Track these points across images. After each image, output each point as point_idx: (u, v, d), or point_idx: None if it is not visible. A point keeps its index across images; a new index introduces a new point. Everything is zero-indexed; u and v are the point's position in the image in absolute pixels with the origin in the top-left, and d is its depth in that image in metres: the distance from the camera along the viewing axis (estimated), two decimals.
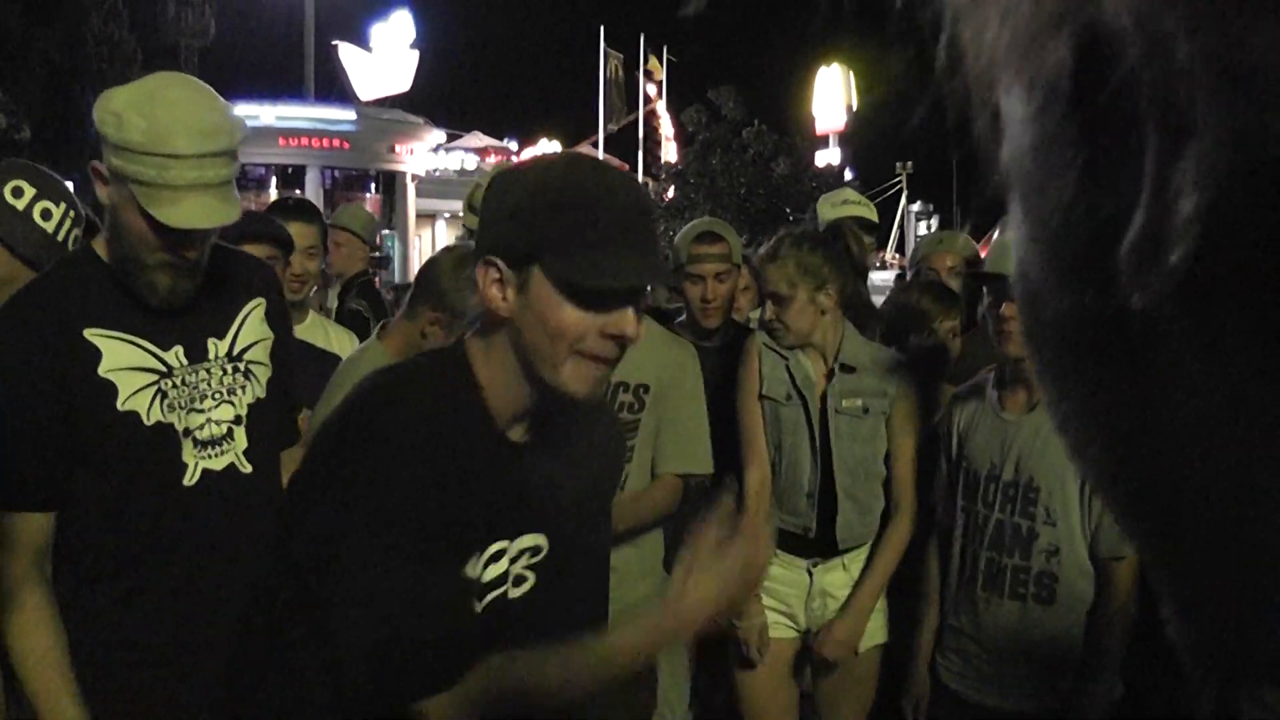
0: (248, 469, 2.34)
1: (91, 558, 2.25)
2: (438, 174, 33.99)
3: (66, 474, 2.20)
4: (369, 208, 31.53)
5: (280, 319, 2.50)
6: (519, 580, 1.73)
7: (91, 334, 2.19)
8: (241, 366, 2.36)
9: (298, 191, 26.17)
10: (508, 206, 1.59)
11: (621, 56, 41.67)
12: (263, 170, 29.90)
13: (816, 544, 3.28)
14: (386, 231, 31.99)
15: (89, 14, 26.72)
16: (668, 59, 44.18)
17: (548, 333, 1.56)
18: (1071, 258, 0.30)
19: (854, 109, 43.35)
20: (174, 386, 2.26)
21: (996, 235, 4.46)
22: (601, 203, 1.57)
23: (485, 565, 1.67)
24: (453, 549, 1.62)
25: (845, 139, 43.33)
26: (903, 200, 46.54)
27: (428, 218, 33.92)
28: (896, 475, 3.30)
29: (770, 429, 3.30)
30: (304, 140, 30.32)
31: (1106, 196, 0.28)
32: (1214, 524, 0.30)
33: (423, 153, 33.10)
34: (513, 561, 1.71)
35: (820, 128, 42.73)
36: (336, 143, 30.88)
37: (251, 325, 2.40)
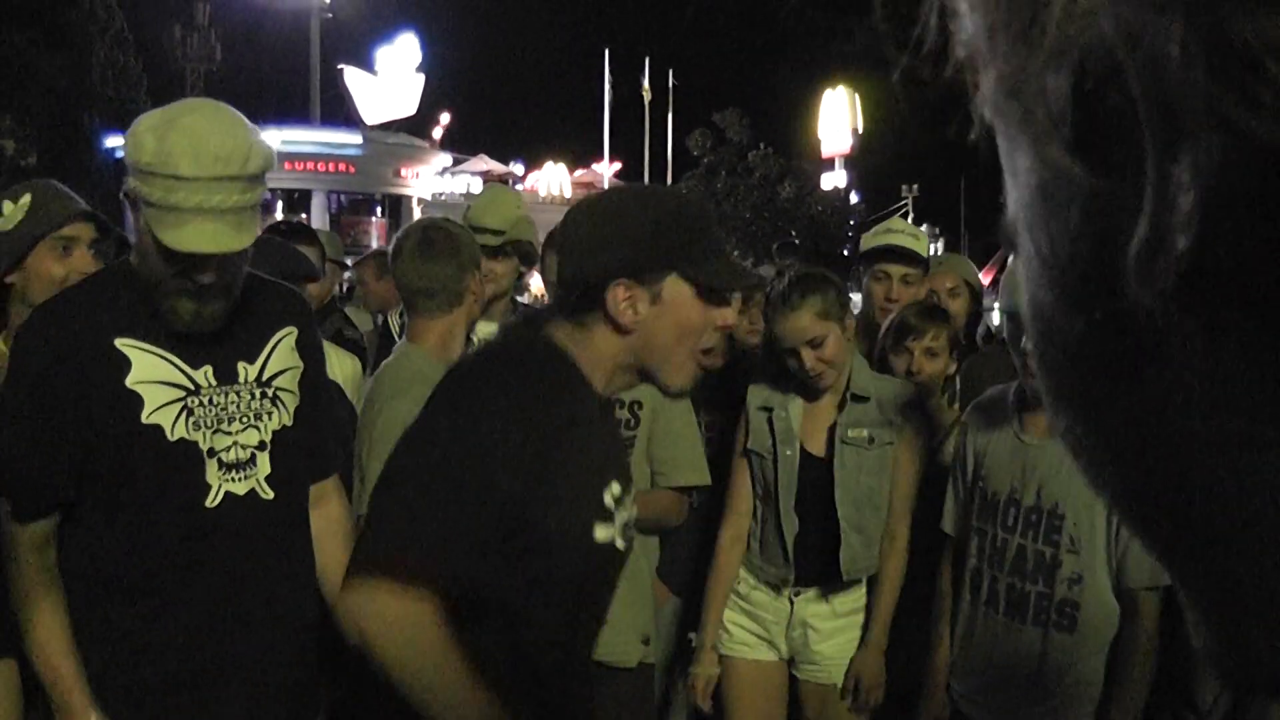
0: (269, 495, 2.31)
1: (113, 575, 2.23)
2: (443, 197, 34.06)
3: (75, 481, 2.19)
4: (374, 231, 31.60)
5: (312, 350, 2.48)
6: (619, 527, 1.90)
7: (122, 343, 2.19)
8: (270, 392, 2.34)
9: (303, 216, 26.22)
10: (624, 231, 1.79)
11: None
12: (268, 195, 29.81)
13: (816, 581, 3.31)
14: None
15: (95, 40, 26.84)
16: (673, 83, 44.29)
17: (682, 333, 1.80)
18: (1079, 279, 0.31)
19: (860, 132, 43.42)
20: (201, 405, 2.24)
21: (1009, 262, 4.38)
22: (703, 219, 1.86)
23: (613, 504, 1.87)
24: (593, 485, 1.84)
25: (851, 162, 43.38)
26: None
27: None
28: (893, 507, 3.30)
29: (757, 482, 3.36)
30: (310, 164, 30.42)
31: (1112, 215, 0.29)
32: (1227, 531, 0.31)
33: (428, 176, 33.18)
34: (620, 503, 1.90)
35: (826, 151, 42.78)
36: (342, 167, 31.00)
37: (282, 353, 2.39)
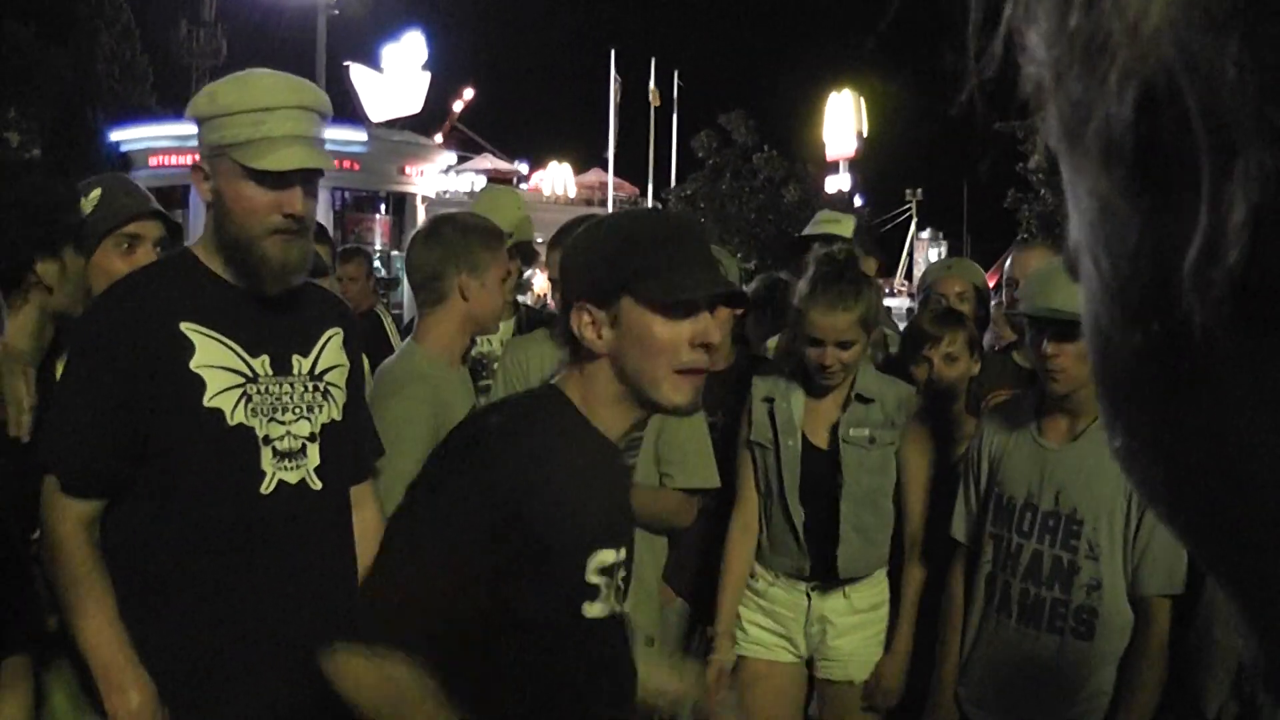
0: (318, 486, 2.37)
1: (164, 561, 2.27)
2: (448, 195, 34.03)
3: (132, 461, 2.24)
4: (378, 228, 31.62)
5: (355, 351, 2.57)
6: (612, 594, 1.88)
7: (187, 327, 2.26)
8: (321, 386, 2.42)
9: None
10: (588, 256, 1.82)
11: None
12: None
13: (815, 573, 3.31)
14: (396, 253, 32.04)
15: (101, 34, 26.84)
16: (678, 84, 44.25)
17: (646, 352, 1.77)
18: (1139, 295, 0.32)
19: (864, 135, 43.36)
20: (259, 393, 2.31)
21: (1012, 263, 4.33)
22: (669, 234, 1.84)
23: (597, 571, 1.85)
24: (578, 549, 1.82)
25: (856, 165, 43.33)
26: (912, 227, 46.50)
27: None
28: (908, 510, 3.31)
29: (759, 475, 3.35)
30: None
31: (1169, 233, 0.30)
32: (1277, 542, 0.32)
33: (433, 174, 33.13)
34: (610, 574, 1.87)
35: (831, 154, 42.72)
36: (347, 164, 30.96)
37: (332, 350, 2.47)
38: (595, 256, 1.81)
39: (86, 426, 2.24)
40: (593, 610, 1.83)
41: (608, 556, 1.86)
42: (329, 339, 2.47)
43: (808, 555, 3.27)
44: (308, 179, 2.31)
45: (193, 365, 2.25)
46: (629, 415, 1.86)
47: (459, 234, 3.08)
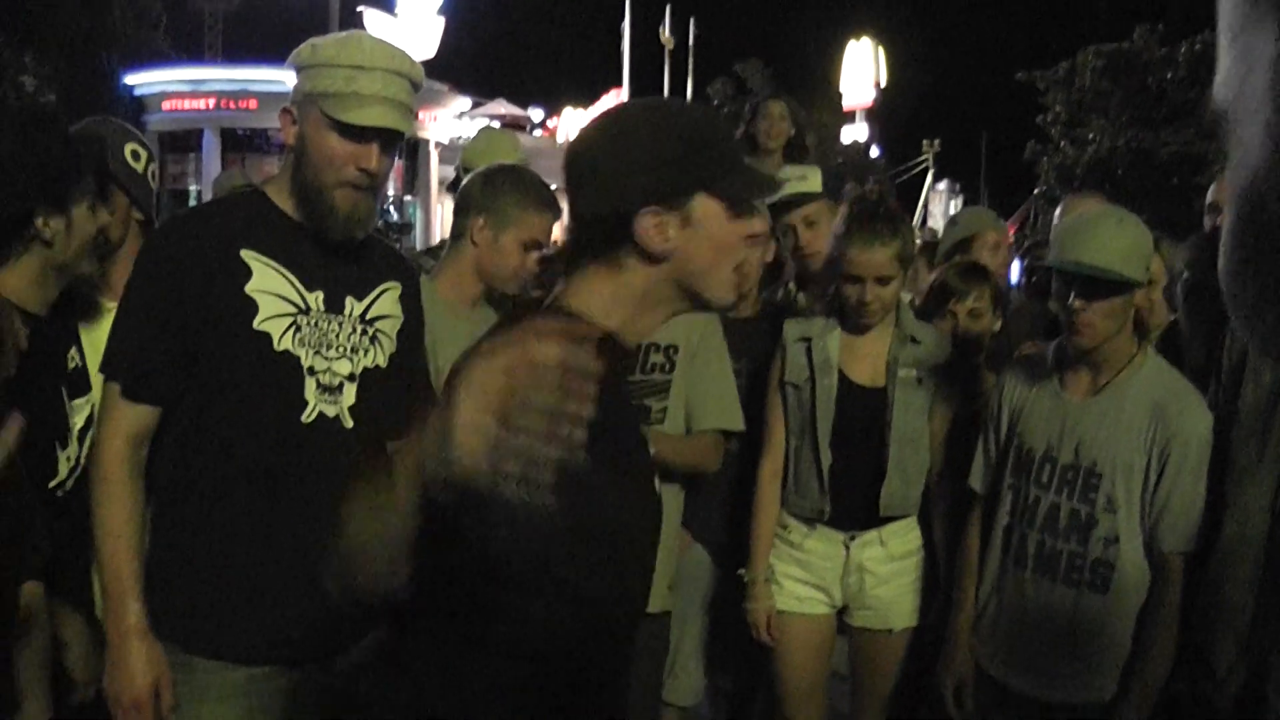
0: (349, 424, 2.43)
1: (208, 475, 2.37)
2: (461, 141, 33.87)
3: (185, 376, 2.34)
4: (392, 174, 31.55)
5: (414, 307, 2.62)
6: None
7: (246, 254, 2.36)
8: (370, 331, 2.48)
9: None
10: (647, 157, 1.71)
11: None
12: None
13: (855, 516, 3.30)
14: (409, 198, 31.94)
15: None
16: (694, 30, 43.87)
17: (719, 250, 1.72)
18: None
19: (883, 85, 42.99)
20: (308, 325, 2.40)
21: (1065, 210, 4.29)
22: (723, 128, 1.81)
23: None
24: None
25: (873, 115, 42.99)
26: (929, 178, 46.23)
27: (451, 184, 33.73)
28: (933, 460, 3.34)
29: (791, 415, 3.35)
30: None
31: None
32: None
33: (446, 120, 32.97)
34: None
35: (848, 103, 42.38)
36: None
37: (387, 300, 2.53)
38: (659, 158, 1.72)
39: (145, 336, 2.35)
40: None
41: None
42: (385, 290, 2.53)
43: (829, 498, 3.28)
44: (389, 140, 2.38)
45: (248, 289, 2.34)
46: (655, 317, 1.81)
47: (502, 181, 3.14)
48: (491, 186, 3.14)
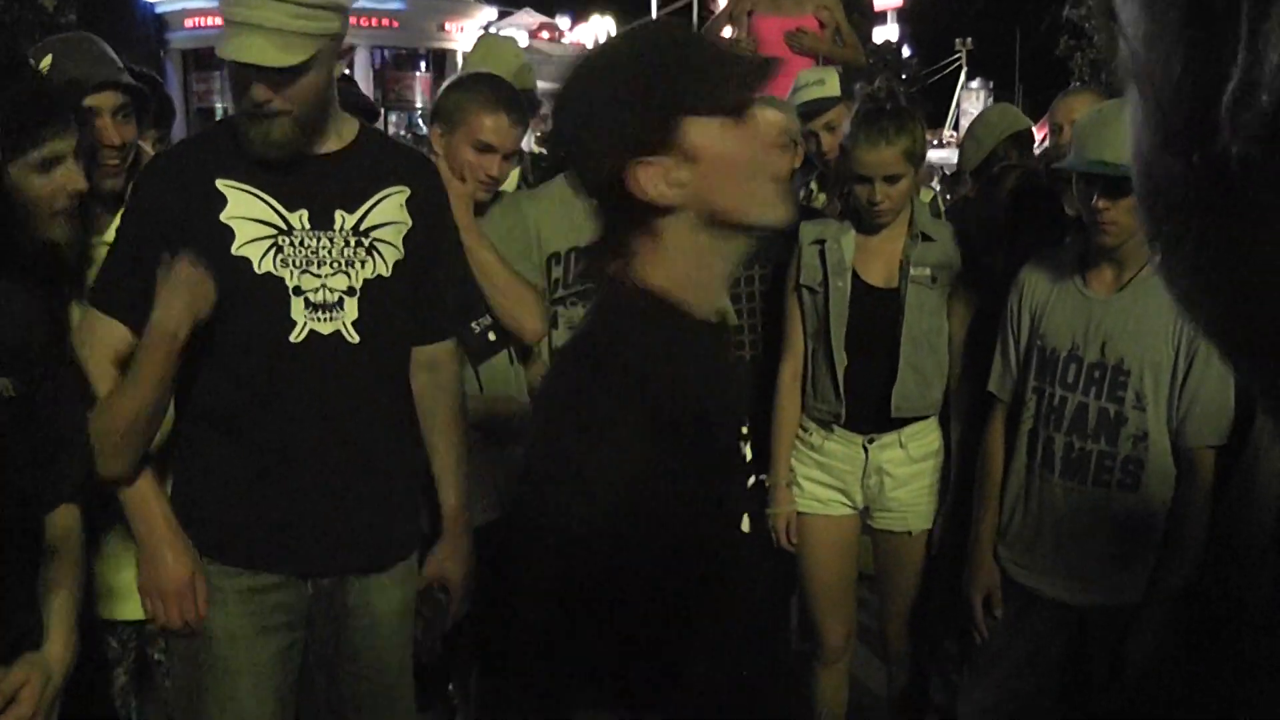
0: (354, 339, 2.41)
1: (196, 404, 2.41)
2: None
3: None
4: (418, 86, 31.29)
5: (430, 210, 2.53)
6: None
7: (222, 183, 2.35)
8: (366, 242, 2.43)
9: (345, 71, 25.93)
10: (618, 110, 1.51)
11: None
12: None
13: (872, 418, 3.27)
14: None
15: None
16: None
17: (740, 169, 1.52)
18: (1182, 123, 0.34)
19: None
20: (291, 245, 2.37)
21: (1056, 108, 4.18)
22: (683, 39, 1.58)
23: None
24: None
25: (904, 15, 42.23)
26: (962, 77, 45.46)
27: None
28: (953, 350, 3.30)
29: (808, 318, 3.32)
30: (352, 20, 29.89)
31: (1210, 65, 0.31)
32: None
33: (473, 30, 32.62)
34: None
35: (879, 3, 41.61)
36: (386, 22, 30.49)
37: (387, 207, 2.46)
38: (621, 103, 1.51)
39: (119, 258, 2.38)
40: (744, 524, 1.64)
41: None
42: (385, 196, 2.46)
43: (844, 401, 3.25)
44: (271, 70, 2.23)
45: (223, 217, 2.34)
46: (735, 258, 1.61)
47: (455, 86, 3.06)
48: (445, 94, 3.05)
